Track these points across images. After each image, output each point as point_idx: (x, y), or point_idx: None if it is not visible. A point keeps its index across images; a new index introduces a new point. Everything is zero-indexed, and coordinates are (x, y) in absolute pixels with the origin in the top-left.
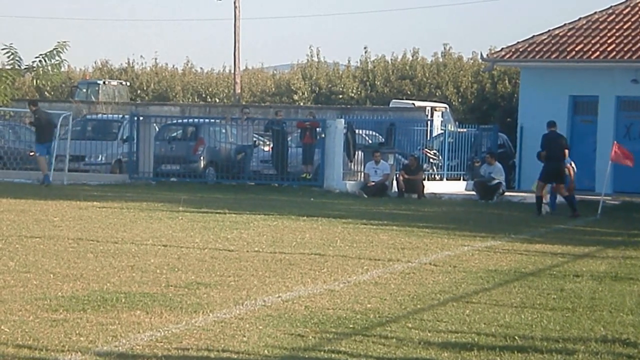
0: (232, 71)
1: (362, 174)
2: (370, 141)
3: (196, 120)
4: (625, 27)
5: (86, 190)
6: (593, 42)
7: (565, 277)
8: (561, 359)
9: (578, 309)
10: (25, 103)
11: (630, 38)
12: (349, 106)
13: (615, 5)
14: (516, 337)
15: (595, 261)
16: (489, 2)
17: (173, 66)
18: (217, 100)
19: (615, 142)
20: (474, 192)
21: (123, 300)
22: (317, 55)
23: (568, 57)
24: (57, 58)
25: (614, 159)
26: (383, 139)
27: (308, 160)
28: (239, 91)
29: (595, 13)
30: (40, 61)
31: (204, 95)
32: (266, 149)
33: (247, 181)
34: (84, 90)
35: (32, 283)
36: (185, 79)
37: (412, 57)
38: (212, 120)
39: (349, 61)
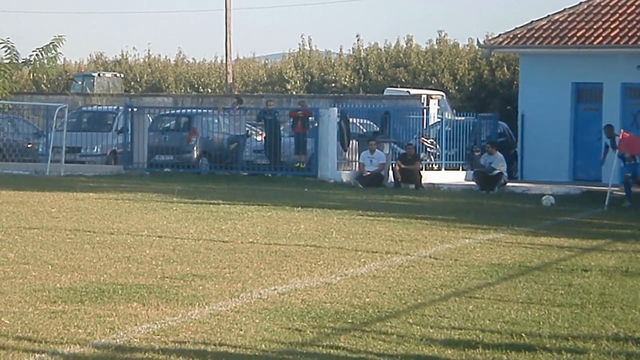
0: (224, 61)
1: (357, 163)
2: (364, 130)
3: (189, 110)
4: (628, 11)
5: (82, 182)
6: (595, 27)
7: (573, 271)
8: (571, 357)
9: (587, 305)
10: (24, 96)
11: (634, 23)
12: (342, 95)
13: None
14: (523, 335)
15: (604, 255)
16: None
17: (166, 57)
18: (210, 91)
19: (622, 130)
20: (474, 183)
21: (120, 292)
22: (309, 43)
23: (569, 43)
24: (53, 52)
25: (621, 148)
26: (378, 128)
27: (301, 149)
28: (231, 81)
29: None
30: (37, 55)
31: (196, 86)
32: (259, 138)
33: (240, 171)
34: (80, 82)
35: (31, 274)
36: (177, 70)
37: (406, 44)
38: (205, 111)
39: (341, 49)
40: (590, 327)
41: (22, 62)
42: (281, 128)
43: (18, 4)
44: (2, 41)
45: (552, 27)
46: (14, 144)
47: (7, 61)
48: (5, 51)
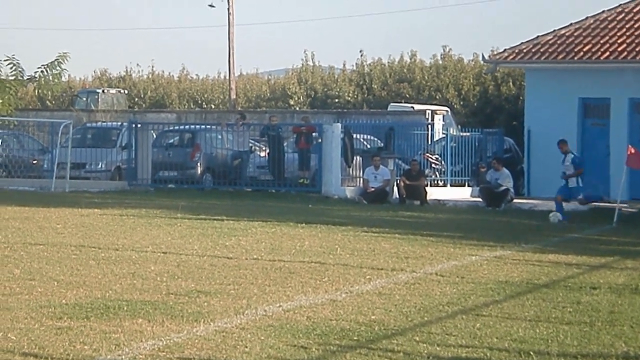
0: (227, 77)
1: (361, 179)
2: (368, 146)
3: (192, 126)
4: (635, 26)
5: (87, 197)
6: (602, 42)
7: (581, 289)
8: None
9: (596, 323)
10: (29, 112)
11: None
12: (345, 110)
13: (624, 4)
14: (531, 353)
15: (613, 272)
16: (487, 3)
17: (169, 73)
18: (213, 107)
19: (629, 145)
20: (479, 199)
21: (125, 308)
22: (312, 59)
23: (576, 58)
24: (58, 68)
25: (629, 164)
26: (382, 144)
27: (304, 165)
28: (234, 97)
29: (603, 12)
30: (42, 71)
31: (199, 102)
32: (262, 154)
33: (244, 187)
34: (84, 99)
35: (37, 290)
36: (181, 86)
37: (410, 59)
38: (208, 127)
39: (344, 65)
40: (599, 345)
41: (27, 78)
42: (285, 144)
43: (23, 20)
44: (7, 58)
45: (558, 41)
46: (19, 160)
47: (12, 78)
48: (11, 68)
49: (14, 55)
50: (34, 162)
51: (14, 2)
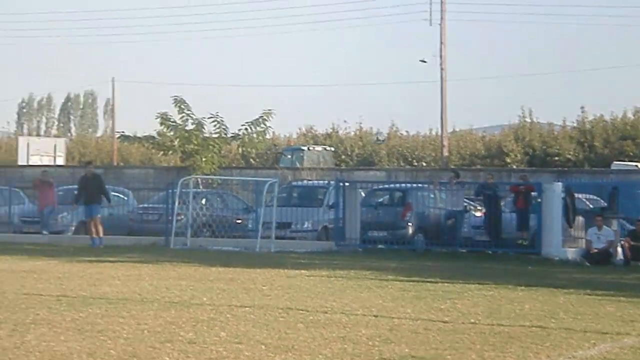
0: (439, 134)
1: (584, 240)
2: (591, 205)
3: (403, 185)
4: None
5: (293, 258)
6: None
7: None
8: None
9: None
10: (233, 171)
11: None
12: (566, 169)
13: None
14: None
15: None
16: None
17: (377, 130)
18: (424, 164)
19: None
20: None
21: None
22: (530, 115)
23: None
24: (262, 125)
25: None
26: (605, 204)
27: (523, 225)
28: (447, 154)
29: None
30: (246, 129)
31: (409, 159)
32: (478, 214)
33: (459, 248)
34: (289, 156)
35: (244, 354)
36: (390, 143)
37: (634, 116)
38: (420, 185)
39: (564, 121)
40: None
41: (231, 136)
42: (502, 203)
43: (228, 78)
44: (211, 115)
45: None
46: (223, 220)
47: (215, 135)
48: (214, 125)
49: (217, 112)
50: (238, 221)
51: (220, 60)
